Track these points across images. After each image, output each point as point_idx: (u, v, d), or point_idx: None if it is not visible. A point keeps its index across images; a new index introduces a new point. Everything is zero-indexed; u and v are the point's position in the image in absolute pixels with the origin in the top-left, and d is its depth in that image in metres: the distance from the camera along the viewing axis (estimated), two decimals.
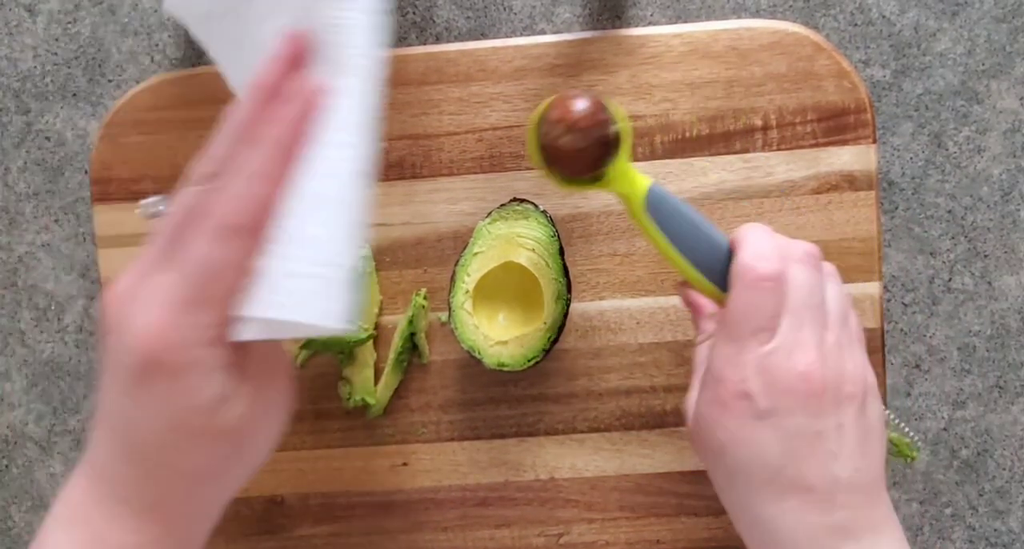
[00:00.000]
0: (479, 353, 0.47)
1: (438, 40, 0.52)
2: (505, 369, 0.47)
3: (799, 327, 0.37)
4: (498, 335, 0.48)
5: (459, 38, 0.52)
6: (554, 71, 0.50)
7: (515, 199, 0.49)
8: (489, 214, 0.48)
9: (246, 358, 0.32)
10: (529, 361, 0.47)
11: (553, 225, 0.48)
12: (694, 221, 0.39)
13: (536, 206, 0.48)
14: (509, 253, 0.48)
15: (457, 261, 0.48)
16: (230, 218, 0.30)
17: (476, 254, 0.48)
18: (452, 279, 0.48)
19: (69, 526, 0.31)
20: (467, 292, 0.48)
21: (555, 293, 0.47)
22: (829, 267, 0.41)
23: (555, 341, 0.47)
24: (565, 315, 0.47)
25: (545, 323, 0.47)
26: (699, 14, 0.51)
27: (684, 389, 0.50)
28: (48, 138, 0.53)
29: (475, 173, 0.50)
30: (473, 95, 0.50)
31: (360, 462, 0.51)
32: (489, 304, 0.49)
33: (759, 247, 0.38)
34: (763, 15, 0.51)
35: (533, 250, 0.47)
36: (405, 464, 0.51)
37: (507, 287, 0.49)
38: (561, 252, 0.48)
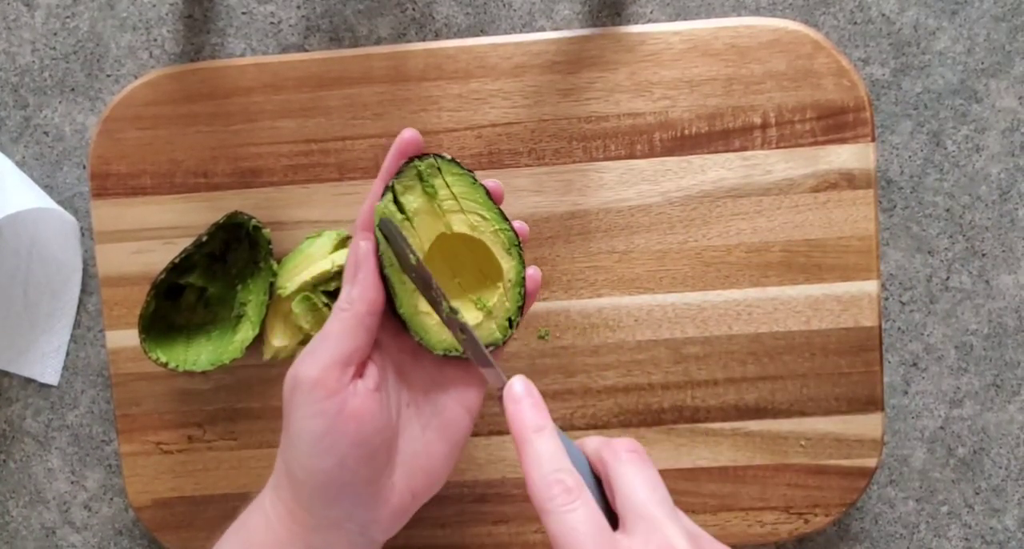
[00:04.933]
0: (457, 351, 0.40)
1: (437, 36, 0.52)
2: (491, 348, 0.41)
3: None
4: (468, 319, 0.40)
5: (458, 34, 0.52)
6: (553, 68, 0.50)
7: (407, 162, 0.39)
8: (389, 189, 0.38)
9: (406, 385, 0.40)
10: (510, 326, 0.41)
11: (466, 168, 0.40)
12: None
13: (440, 156, 0.40)
14: (436, 226, 0.40)
15: (381, 265, 0.38)
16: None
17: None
18: (387, 289, 0.39)
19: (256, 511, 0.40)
20: (415, 292, 0.39)
21: (505, 244, 0.41)
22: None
23: (525, 295, 0.41)
24: (523, 263, 0.41)
25: (510, 281, 0.41)
26: (699, 12, 0.51)
27: (682, 386, 0.50)
28: (46, 133, 0.53)
29: (474, 170, 0.50)
30: (472, 92, 0.50)
31: None
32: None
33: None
34: (763, 13, 0.51)
35: (461, 209, 0.40)
36: None
37: (446, 262, 0.42)
38: (489, 195, 0.41)
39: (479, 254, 0.41)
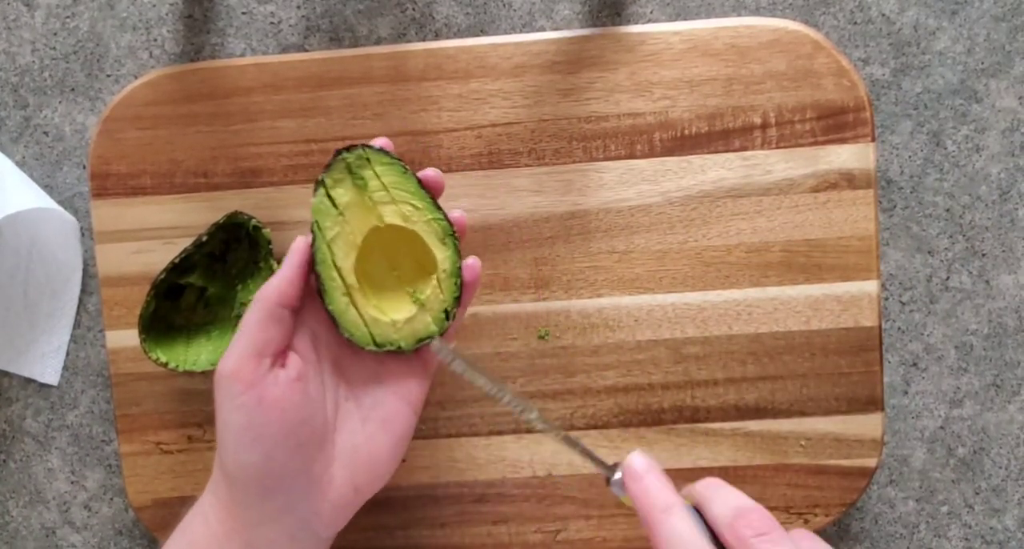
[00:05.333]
0: (390, 346, 0.40)
1: (437, 36, 0.52)
2: (424, 342, 0.40)
3: None
4: (403, 312, 0.40)
5: (459, 34, 0.52)
6: (553, 68, 0.50)
7: (335, 155, 0.39)
8: (320, 184, 0.38)
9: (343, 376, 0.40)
10: (447, 318, 0.40)
11: (396, 157, 0.40)
12: None
13: (368, 146, 0.39)
14: (368, 219, 0.39)
15: (313, 260, 0.38)
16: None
17: (333, 240, 0.39)
18: (318, 285, 0.39)
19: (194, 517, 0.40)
20: (351, 287, 0.39)
21: (439, 234, 0.40)
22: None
23: (462, 285, 0.41)
24: (459, 253, 0.40)
25: (444, 271, 0.40)
26: (699, 12, 0.51)
27: (682, 386, 0.50)
28: (46, 133, 0.53)
29: (474, 170, 0.50)
30: (472, 92, 0.50)
31: None
32: (367, 285, 0.41)
33: (736, 500, 0.33)
34: (763, 13, 0.51)
35: (393, 200, 0.39)
36: (403, 461, 0.51)
37: (384, 254, 0.41)
38: (421, 185, 0.40)
39: (415, 245, 0.40)
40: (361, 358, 0.40)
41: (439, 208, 0.40)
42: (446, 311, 0.40)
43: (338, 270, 0.39)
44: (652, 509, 0.34)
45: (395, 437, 0.40)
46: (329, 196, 0.38)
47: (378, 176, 0.39)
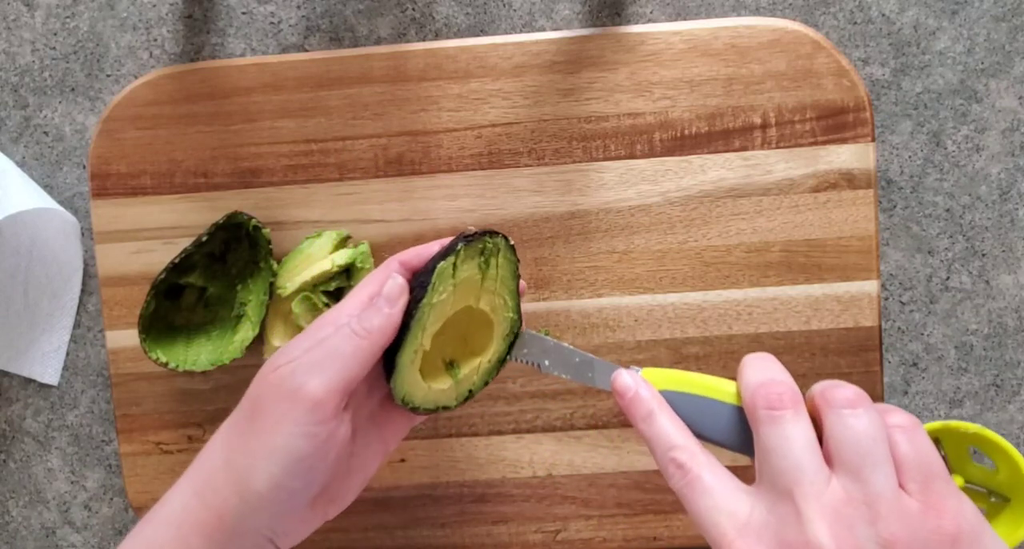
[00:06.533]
0: (418, 406, 0.40)
1: (437, 36, 0.52)
2: (438, 411, 0.41)
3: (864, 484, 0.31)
4: (443, 384, 0.41)
5: (458, 34, 0.52)
6: (553, 68, 0.50)
7: (479, 234, 0.40)
8: (454, 252, 0.39)
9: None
10: (469, 396, 0.42)
11: (515, 256, 0.42)
12: (692, 396, 0.37)
13: (506, 239, 0.41)
14: (467, 298, 0.40)
15: (413, 312, 0.38)
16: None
17: (436, 304, 0.39)
18: (404, 333, 0.38)
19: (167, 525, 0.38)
20: (422, 348, 0.39)
21: (506, 331, 0.42)
22: (901, 418, 0.33)
23: (495, 374, 0.43)
24: (510, 351, 0.42)
25: (490, 361, 0.42)
26: (699, 12, 0.51)
27: None
28: (46, 133, 0.53)
29: (474, 170, 0.50)
30: (472, 92, 0.50)
31: None
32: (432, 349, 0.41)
33: (770, 372, 0.34)
34: (763, 13, 0.51)
35: (495, 291, 0.41)
36: (403, 460, 0.51)
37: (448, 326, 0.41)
38: (516, 284, 0.42)
39: (471, 322, 0.41)
40: (370, 399, 0.40)
41: (519, 309, 0.42)
42: (471, 391, 0.42)
43: (423, 332, 0.39)
44: (636, 420, 0.36)
45: (364, 478, 0.40)
46: (455, 266, 0.39)
47: (497, 267, 0.41)
